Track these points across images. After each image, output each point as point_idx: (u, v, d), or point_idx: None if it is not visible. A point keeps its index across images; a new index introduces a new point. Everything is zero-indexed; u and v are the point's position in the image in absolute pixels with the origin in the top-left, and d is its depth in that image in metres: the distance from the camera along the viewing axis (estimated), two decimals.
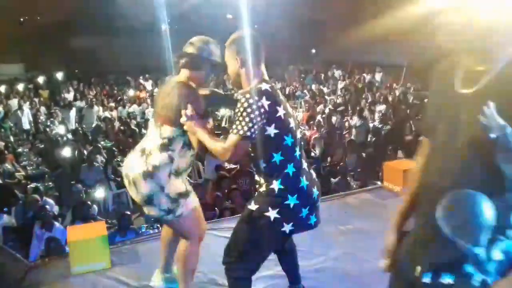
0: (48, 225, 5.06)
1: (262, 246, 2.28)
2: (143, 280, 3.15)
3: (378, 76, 17.24)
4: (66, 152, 8.52)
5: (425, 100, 12.10)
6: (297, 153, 2.22)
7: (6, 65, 24.21)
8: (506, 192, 1.29)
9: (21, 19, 27.39)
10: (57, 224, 5.28)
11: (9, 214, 6.04)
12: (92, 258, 3.32)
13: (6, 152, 8.85)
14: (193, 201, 2.63)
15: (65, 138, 10.88)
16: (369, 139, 9.40)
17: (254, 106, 2.04)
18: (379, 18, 15.00)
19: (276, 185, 2.17)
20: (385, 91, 14.64)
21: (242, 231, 2.30)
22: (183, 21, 18.98)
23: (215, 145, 2.21)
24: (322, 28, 22.22)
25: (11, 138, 11.50)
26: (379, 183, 5.86)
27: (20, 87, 18.32)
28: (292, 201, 2.17)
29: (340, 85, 17.02)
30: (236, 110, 2.08)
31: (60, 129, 11.80)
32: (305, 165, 2.30)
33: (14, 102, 14.54)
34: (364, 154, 8.05)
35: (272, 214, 2.16)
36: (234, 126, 2.09)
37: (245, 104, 2.05)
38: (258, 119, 2.05)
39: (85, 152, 9.03)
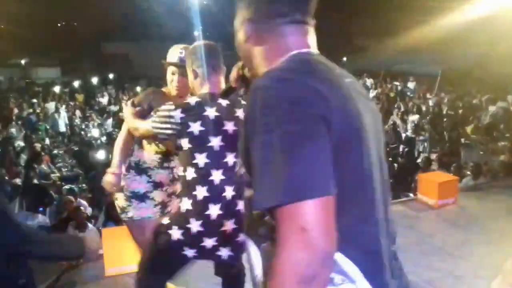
0: (82, 226, 5.16)
1: (166, 263, 2.16)
2: (177, 283, 3.17)
3: (411, 85, 16.95)
4: (100, 155, 8.71)
5: (460, 111, 11.91)
6: (213, 177, 2.03)
7: (43, 69, 25.06)
8: (265, 240, 1.03)
9: (59, 24, 28.33)
10: (90, 225, 5.38)
11: (43, 214, 6.20)
12: (126, 261, 3.37)
13: (42, 153, 9.11)
14: (150, 210, 2.55)
15: (99, 141, 11.13)
16: (401, 149, 9.24)
17: (167, 113, 2.03)
18: (412, 27, 14.81)
19: (184, 205, 2.05)
20: (418, 101, 14.38)
21: (151, 245, 2.19)
22: (216, 27, 19.23)
23: (139, 123, 2.24)
24: (353, 36, 22.11)
25: (47, 140, 11.82)
26: (411, 195, 5.75)
27: (57, 90, 18.86)
28: (196, 227, 2.02)
29: (372, 93, 16.82)
30: None
31: (94, 132, 12.08)
32: (228, 193, 2.05)
33: (51, 105, 14.96)
34: (396, 165, 7.92)
35: (176, 234, 2.04)
36: (154, 116, 2.12)
37: (167, 108, 2.06)
38: (167, 125, 2.04)
39: None
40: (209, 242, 2.03)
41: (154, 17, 20.45)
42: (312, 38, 1.19)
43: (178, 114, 2.00)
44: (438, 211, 4.56)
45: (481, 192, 5.28)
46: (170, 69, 2.50)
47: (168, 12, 19.00)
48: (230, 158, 2.04)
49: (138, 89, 20.42)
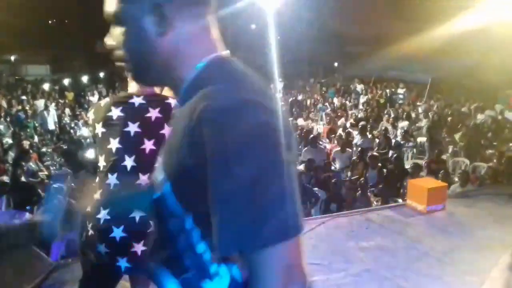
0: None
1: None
2: None
3: (401, 92, 17.12)
4: (90, 154, 8.64)
5: (449, 119, 12.05)
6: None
7: (33, 66, 24.84)
8: (188, 271, 0.93)
9: (50, 22, 28.10)
10: None
11: (31, 213, 6.13)
12: None
13: (30, 151, 9.02)
14: None
15: (88, 140, 11.04)
16: (390, 155, 9.31)
17: None
18: (403, 35, 14.95)
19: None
20: (408, 107, 14.53)
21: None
22: None
23: None
24: (345, 42, 22.26)
25: (36, 138, 11.71)
26: (399, 200, 5.80)
27: (46, 87, 18.70)
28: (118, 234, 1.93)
29: (362, 99, 16.95)
30: None
31: (84, 131, 11.99)
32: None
33: (40, 103, 14.83)
34: (385, 170, 7.97)
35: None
36: None
37: None
38: None
39: None
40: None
41: None
42: None
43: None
44: (426, 217, 4.60)
45: (469, 199, 5.33)
46: None
47: None
48: (129, 163, 1.97)
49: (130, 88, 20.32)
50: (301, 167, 7.78)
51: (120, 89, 20.43)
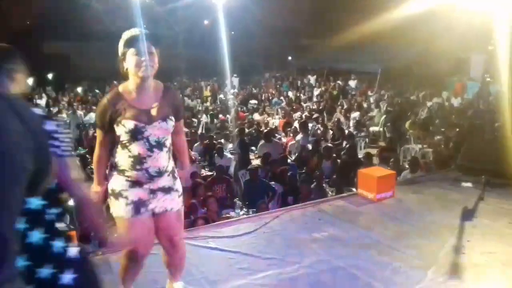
0: None
1: None
2: None
3: (352, 83, 17.48)
4: None
5: (398, 107, 12.40)
6: None
7: None
8: None
9: None
10: None
11: None
12: None
13: None
14: (123, 209, 2.53)
15: None
16: (344, 144, 9.48)
17: None
18: (353, 26, 15.25)
19: None
20: (360, 98, 14.85)
21: None
22: (159, 25, 18.93)
23: None
24: (298, 36, 22.49)
25: None
26: (354, 189, 5.92)
27: None
28: None
29: (316, 91, 17.19)
30: None
31: None
32: None
33: None
34: (339, 161, 8.12)
35: None
36: None
37: None
38: None
39: None
40: None
41: (95, 16, 19.82)
42: None
43: None
44: (376, 205, 4.71)
45: (417, 185, 5.51)
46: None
47: (109, 10, 18.48)
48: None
49: (79, 90, 19.79)
50: (258, 161, 7.81)
51: (70, 91, 19.83)
